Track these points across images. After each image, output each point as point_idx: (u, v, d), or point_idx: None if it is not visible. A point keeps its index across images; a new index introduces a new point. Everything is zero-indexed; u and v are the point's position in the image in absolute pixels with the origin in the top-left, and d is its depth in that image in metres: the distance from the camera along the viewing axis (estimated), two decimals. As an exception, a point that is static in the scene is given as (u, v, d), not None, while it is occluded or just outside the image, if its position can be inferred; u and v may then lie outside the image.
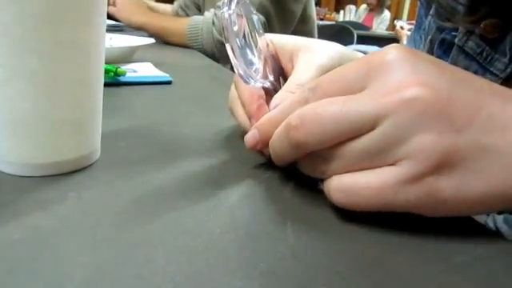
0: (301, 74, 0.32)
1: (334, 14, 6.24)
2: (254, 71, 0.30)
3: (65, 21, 0.23)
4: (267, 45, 0.35)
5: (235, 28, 0.28)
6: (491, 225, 0.55)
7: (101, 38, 0.26)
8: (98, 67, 0.26)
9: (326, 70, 0.33)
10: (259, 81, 0.30)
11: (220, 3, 1.05)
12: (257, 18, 0.33)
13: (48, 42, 0.23)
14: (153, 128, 0.37)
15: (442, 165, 0.20)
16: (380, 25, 4.86)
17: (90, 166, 0.27)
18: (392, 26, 4.70)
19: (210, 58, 0.96)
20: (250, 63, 0.30)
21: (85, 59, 0.25)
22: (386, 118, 0.20)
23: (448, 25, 0.43)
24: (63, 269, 0.17)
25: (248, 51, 0.30)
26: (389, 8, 5.14)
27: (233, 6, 0.28)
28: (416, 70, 0.21)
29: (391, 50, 0.22)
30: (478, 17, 0.37)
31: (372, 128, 0.21)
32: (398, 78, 0.21)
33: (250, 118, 0.31)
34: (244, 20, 0.30)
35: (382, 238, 0.21)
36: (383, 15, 4.96)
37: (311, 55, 0.34)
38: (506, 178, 0.20)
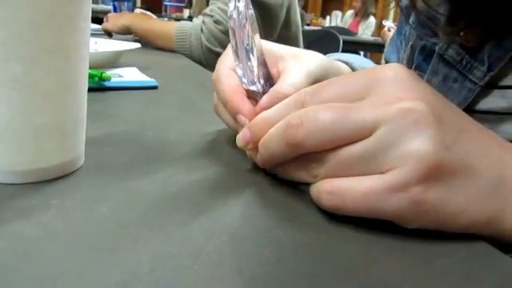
0: (292, 76, 0.32)
1: (320, 20, 6.29)
2: (253, 74, 0.30)
3: (48, 26, 0.23)
4: (261, 49, 0.35)
5: (243, 30, 0.28)
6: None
7: (85, 43, 0.26)
8: (82, 73, 0.26)
9: (314, 76, 0.34)
10: (255, 84, 0.31)
11: (217, 5, 1.05)
12: (255, 21, 0.33)
13: (31, 47, 0.23)
14: (137, 133, 0.37)
15: (429, 177, 0.21)
16: (366, 30, 4.93)
17: (73, 172, 0.27)
18: (377, 32, 4.77)
19: (196, 63, 0.96)
20: (250, 67, 0.30)
21: (68, 65, 0.25)
22: (382, 124, 0.21)
23: (428, 33, 0.44)
24: (46, 276, 0.17)
25: (250, 54, 0.30)
26: (374, 14, 5.21)
27: (241, 7, 0.28)
28: (414, 89, 0.23)
29: (393, 67, 0.23)
30: (457, 27, 0.38)
31: (369, 134, 0.22)
32: (397, 91, 0.22)
33: (233, 115, 0.31)
34: (248, 22, 0.30)
35: (366, 241, 0.22)
36: (368, 21, 5.03)
37: (300, 62, 0.34)
38: (481, 199, 0.22)
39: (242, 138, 0.28)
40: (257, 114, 0.30)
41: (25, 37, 0.22)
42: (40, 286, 0.17)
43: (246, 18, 0.29)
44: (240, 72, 0.29)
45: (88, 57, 0.27)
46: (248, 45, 0.29)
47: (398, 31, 0.58)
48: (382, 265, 0.20)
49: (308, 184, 0.25)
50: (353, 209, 0.22)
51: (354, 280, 0.19)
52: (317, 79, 0.34)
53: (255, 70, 0.30)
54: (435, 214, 0.21)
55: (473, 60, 0.39)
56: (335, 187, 0.22)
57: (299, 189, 0.27)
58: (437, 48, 0.43)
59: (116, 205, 0.24)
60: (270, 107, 0.28)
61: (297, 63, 0.34)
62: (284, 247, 0.21)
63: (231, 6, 0.28)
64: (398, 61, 0.57)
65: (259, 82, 0.31)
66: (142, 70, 0.65)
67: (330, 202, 0.23)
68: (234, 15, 0.28)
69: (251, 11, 0.31)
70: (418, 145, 0.21)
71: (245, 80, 0.30)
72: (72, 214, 0.22)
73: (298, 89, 0.31)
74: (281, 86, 0.31)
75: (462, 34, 0.39)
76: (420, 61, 0.47)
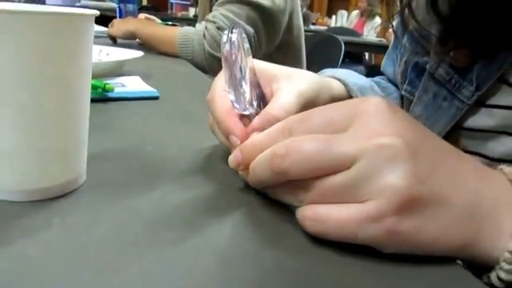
0: (282, 98, 0.34)
1: (326, 19, 6.29)
2: (247, 101, 0.32)
3: (53, 58, 0.25)
4: (253, 71, 0.36)
5: (235, 60, 0.29)
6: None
7: (86, 72, 0.27)
8: (84, 99, 0.28)
9: (305, 97, 0.35)
10: (247, 109, 0.32)
11: (220, 12, 1.06)
12: (248, 46, 0.35)
13: (37, 77, 0.24)
14: (137, 148, 0.38)
15: (403, 208, 0.22)
16: (370, 31, 4.92)
17: (75, 190, 0.29)
18: (383, 32, 4.75)
19: (199, 69, 0.97)
20: (243, 93, 0.31)
21: (70, 93, 0.26)
22: (361, 158, 0.23)
23: (420, 52, 0.45)
24: (47, 297, 0.19)
25: (243, 82, 0.31)
26: (380, 15, 5.19)
27: (233, 38, 0.29)
28: (393, 123, 0.24)
29: (374, 101, 0.25)
30: (447, 47, 0.40)
31: (349, 166, 0.23)
32: (377, 126, 0.24)
33: (226, 135, 0.33)
34: (241, 50, 0.31)
35: (348, 264, 0.23)
36: (374, 21, 5.01)
37: (292, 82, 0.36)
38: (454, 226, 0.23)
39: (233, 159, 0.29)
40: (248, 135, 0.31)
41: (31, 68, 0.24)
42: (42, 305, 0.18)
43: (239, 48, 0.30)
44: (232, 98, 0.31)
45: (89, 84, 0.28)
46: (241, 74, 0.30)
47: (394, 45, 0.59)
48: (361, 284, 0.22)
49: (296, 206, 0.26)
50: (334, 234, 0.24)
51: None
52: (308, 99, 0.36)
53: (247, 96, 0.31)
54: (411, 242, 0.23)
55: (461, 79, 0.41)
56: (317, 214, 0.24)
57: (288, 209, 0.28)
58: (427, 66, 0.44)
59: (114, 224, 0.25)
60: (260, 129, 0.30)
61: (288, 84, 0.35)
62: (269, 271, 0.22)
63: (224, 38, 0.29)
64: (394, 74, 0.58)
65: (252, 106, 0.32)
66: (145, 78, 0.67)
67: (313, 228, 0.24)
68: (227, 47, 0.29)
69: (245, 38, 0.33)
70: (393, 179, 0.22)
71: (237, 105, 0.31)
72: (72, 233, 0.24)
73: (288, 111, 0.33)
74: (272, 108, 0.33)
75: (451, 53, 0.40)
76: (413, 77, 0.48)
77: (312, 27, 4.88)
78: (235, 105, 0.31)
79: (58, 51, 0.25)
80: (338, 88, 0.45)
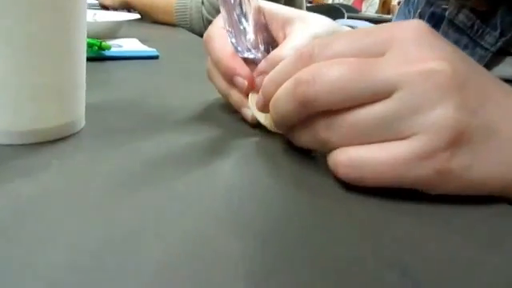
0: (295, 40, 0.31)
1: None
2: (248, 42, 0.29)
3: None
4: (259, 12, 0.33)
5: None
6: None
7: (81, 3, 0.24)
8: (79, 32, 0.25)
9: None
10: (252, 52, 0.29)
11: None
12: None
13: (24, 2, 0.21)
14: (139, 100, 0.35)
15: (455, 142, 0.19)
16: (369, 8, 4.84)
17: (74, 134, 0.26)
18: (382, 9, 4.68)
19: (199, 36, 0.94)
20: (243, 33, 0.29)
21: (63, 20, 0.23)
22: (404, 86, 0.20)
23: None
24: (47, 234, 0.16)
25: (243, 19, 0.28)
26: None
27: None
28: (437, 46, 0.21)
29: (415, 23, 0.22)
30: None
31: (387, 96, 0.20)
32: (419, 50, 0.20)
33: (227, 76, 0.30)
34: None
35: (378, 203, 0.21)
36: (372, -2, 4.93)
37: (306, 24, 0.32)
38: (508, 162, 0.20)
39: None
40: (255, 79, 0.29)
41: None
42: (40, 243, 0.16)
43: None
44: (233, 41, 0.28)
45: (85, 19, 0.26)
46: (241, 10, 0.28)
47: (406, 1, 0.56)
48: (397, 224, 0.19)
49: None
50: (373, 180, 0.21)
51: (368, 238, 0.18)
52: None
53: (251, 36, 0.28)
54: (461, 181, 0.20)
55: (484, 25, 0.38)
56: (353, 158, 0.21)
57: (308, 155, 0.26)
58: (447, 13, 0.41)
59: (117, 165, 0.23)
60: (268, 72, 0.26)
61: (303, 26, 0.32)
62: (294, 205, 0.20)
63: None
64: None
65: (257, 49, 0.30)
66: (143, 41, 0.63)
67: (349, 175, 0.21)
68: None
69: None
70: (442, 110, 0.19)
71: (240, 48, 0.28)
72: (73, 174, 0.21)
73: None
74: (282, 50, 0.30)
75: None
76: (430, 27, 0.45)
77: (308, 5, 4.79)
78: (238, 48, 0.28)
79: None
80: None
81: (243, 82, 0.29)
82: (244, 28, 0.28)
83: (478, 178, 0.20)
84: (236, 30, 0.28)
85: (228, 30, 0.27)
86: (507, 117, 0.21)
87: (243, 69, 0.29)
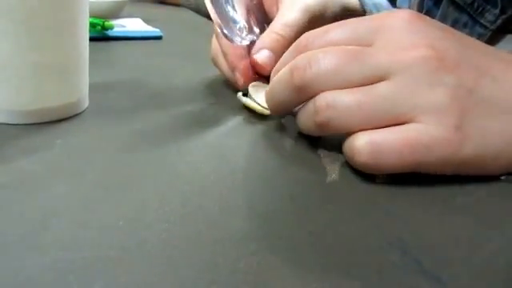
0: (286, 15, 0.31)
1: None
2: (239, 29, 0.29)
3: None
4: None
5: None
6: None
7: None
8: (81, 10, 0.25)
9: (311, 12, 0.32)
10: (245, 38, 0.29)
11: None
12: None
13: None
14: (142, 80, 0.35)
15: (461, 122, 0.19)
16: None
17: (77, 115, 0.26)
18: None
19: (204, 17, 0.92)
20: (233, 21, 0.28)
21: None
22: (396, 73, 0.20)
23: None
24: (50, 209, 0.17)
25: (229, 8, 0.28)
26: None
27: None
28: (426, 32, 0.21)
29: (402, 13, 0.22)
30: None
31: (381, 81, 0.20)
32: (407, 38, 0.21)
33: (232, 70, 0.31)
34: None
35: (380, 183, 0.21)
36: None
37: None
38: (507, 136, 0.20)
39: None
40: (251, 64, 0.29)
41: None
42: (44, 218, 0.16)
43: None
44: (225, 31, 0.28)
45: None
46: (226, 0, 0.27)
47: (408, -22, 0.55)
48: (397, 203, 0.19)
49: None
50: (396, 166, 0.20)
51: (369, 216, 0.18)
52: (315, 14, 0.32)
53: (242, 22, 0.28)
54: (475, 160, 0.20)
55: (485, 3, 0.37)
56: (374, 145, 0.20)
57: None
58: None
59: (121, 144, 0.23)
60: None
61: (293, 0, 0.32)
62: (298, 186, 0.20)
63: None
64: (409, 7, 0.54)
65: (252, 33, 0.30)
66: (146, 21, 0.63)
67: (370, 162, 0.20)
68: None
69: None
70: (440, 91, 0.19)
71: (235, 38, 0.28)
72: (77, 153, 0.22)
73: (292, 27, 0.30)
74: (274, 26, 0.30)
75: None
76: (430, 6, 0.44)
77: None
78: (235, 39, 0.28)
79: None
80: (353, 2, 0.41)
81: (240, 78, 0.30)
82: (232, 16, 0.28)
83: (491, 153, 0.20)
84: (225, 20, 0.27)
85: (218, 23, 0.27)
86: (505, 90, 0.21)
87: (241, 63, 0.30)
